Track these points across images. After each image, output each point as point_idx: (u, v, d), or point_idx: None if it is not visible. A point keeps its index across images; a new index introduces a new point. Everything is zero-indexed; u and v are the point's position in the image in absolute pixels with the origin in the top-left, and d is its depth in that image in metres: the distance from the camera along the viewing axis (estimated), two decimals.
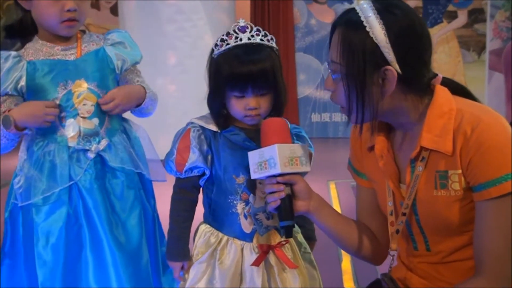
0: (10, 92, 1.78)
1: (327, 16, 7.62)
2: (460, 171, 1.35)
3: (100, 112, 1.85)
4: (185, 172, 1.69)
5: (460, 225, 1.39)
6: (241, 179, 1.70)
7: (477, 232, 1.35)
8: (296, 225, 1.79)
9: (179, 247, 1.69)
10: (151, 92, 1.96)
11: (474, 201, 1.35)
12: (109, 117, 1.87)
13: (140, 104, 1.93)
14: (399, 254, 1.57)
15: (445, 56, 7.59)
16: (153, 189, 1.98)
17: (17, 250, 1.83)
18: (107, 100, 1.83)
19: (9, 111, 1.76)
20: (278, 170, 1.45)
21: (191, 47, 5.95)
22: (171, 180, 1.79)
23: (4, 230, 1.85)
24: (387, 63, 1.33)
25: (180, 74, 5.87)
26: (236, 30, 1.68)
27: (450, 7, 7.55)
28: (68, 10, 1.77)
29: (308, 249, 1.83)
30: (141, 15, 5.95)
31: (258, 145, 1.61)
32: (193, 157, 1.68)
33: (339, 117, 7.71)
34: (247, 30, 1.68)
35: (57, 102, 1.80)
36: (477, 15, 7.55)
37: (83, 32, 1.90)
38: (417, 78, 1.38)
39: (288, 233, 1.48)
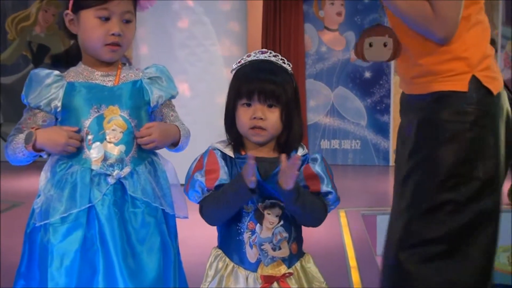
0: (42, 107, 1.82)
1: (337, 43, 7.64)
2: None
3: (129, 140, 1.85)
4: (215, 187, 1.67)
5: None
6: (249, 207, 1.69)
7: None
8: (308, 257, 1.78)
9: (233, 182, 1.65)
10: (185, 130, 1.97)
11: None
12: (137, 147, 1.87)
13: (174, 143, 1.95)
14: None
15: None
16: (176, 228, 1.94)
17: (32, 271, 1.82)
18: (143, 135, 1.84)
19: (36, 129, 1.79)
20: None
21: (202, 71, 5.99)
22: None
23: (22, 250, 1.85)
24: None
25: (190, 99, 5.90)
26: (256, 53, 1.76)
27: None
28: (113, 34, 1.81)
29: (324, 285, 1.77)
30: (153, 40, 6.01)
31: (265, 177, 1.64)
32: (223, 173, 1.69)
33: (348, 144, 7.69)
34: (266, 53, 1.76)
35: (87, 123, 1.81)
36: None
37: (124, 64, 1.93)
38: None
39: None
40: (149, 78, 1.92)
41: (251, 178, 1.58)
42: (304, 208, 1.66)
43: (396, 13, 1.86)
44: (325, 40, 7.74)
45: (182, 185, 1.89)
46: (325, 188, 1.71)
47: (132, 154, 1.86)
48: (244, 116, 1.69)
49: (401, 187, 1.93)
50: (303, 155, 1.75)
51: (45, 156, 1.83)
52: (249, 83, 1.69)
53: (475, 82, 1.82)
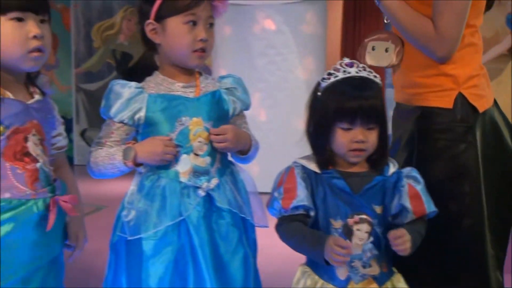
0: (126, 121, 1.81)
1: None
2: None
3: (213, 151, 1.85)
4: (291, 209, 1.67)
5: None
6: (338, 223, 1.67)
7: (435, 3, 1.77)
8: (398, 276, 1.74)
9: (315, 239, 1.64)
10: (255, 141, 1.97)
11: None
12: (220, 158, 1.87)
13: (243, 151, 1.93)
14: None
15: None
16: (255, 237, 1.94)
17: (119, 282, 1.84)
18: (218, 132, 1.83)
19: (133, 143, 1.80)
20: None
21: (281, 80, 5.99)
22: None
23: (108, 261, 1.87)
24: None
25: (269, 107, 5.92)
26: (343, 65, 1.70)
27: None
28: (201, 40, 1.80)
29: None
30: (233, 48, 6.06)
31: (355, 193, 1.63)
32: (301, 195, 1.67)
33: None
34: (353, 65, 1.72)
35: (173, 136, 1.82)
36: None
37: (200, 73, 1.92)
38: None
39: None
40: (227, 89, 1.92)
41: (336, 261, 1.56)
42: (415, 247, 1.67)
43: (398, 27, 1.89)
44: None
45: (260, 193, 1.90)
46: (429, 208, 1.71)
47: (216, 165, 1.86)
48: (344, 138, 1.67)
49: None
50: (395, 172, 1.73)
51: (142, 170, 1.82)
52: (350, 106, 1.65)
53: (461, 99, 1.83)
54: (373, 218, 1.67)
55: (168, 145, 1.77)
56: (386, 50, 1.95)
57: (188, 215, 1.78)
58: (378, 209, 1.69)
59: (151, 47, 1.87)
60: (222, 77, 1.96)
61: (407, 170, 1.75)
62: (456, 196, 1.82)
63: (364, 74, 1.71)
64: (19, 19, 1.58)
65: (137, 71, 1.89)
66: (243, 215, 1.86)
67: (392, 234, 1.61)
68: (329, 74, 1.72)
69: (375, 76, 1.73)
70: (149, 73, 1.88)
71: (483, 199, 1.84)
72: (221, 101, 1.89)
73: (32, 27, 1.59)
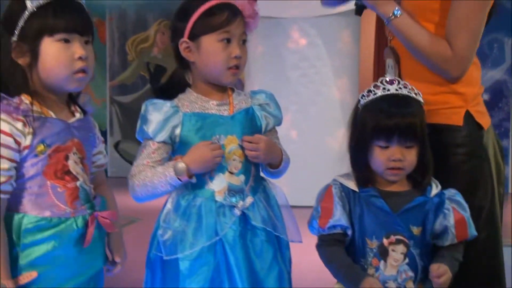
0: (165, 140, 1.81)
1: None
2: None
3: (247, 169, 1.85)
4: (328, 228, 1.67)
5: (423, 11, 1.85)
6: (373, 243, 1.66)
7: (446, 21, 1.81)
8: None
9: (352, 275, 1.65)
10: (287, 156, 1.96)
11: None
12: (254, 176, 1.88)
13: (274, 165, 1.93)
14: None
15: None
16: (290, 253, 1.93)
17: None
18: (252, 140, 1.83)
19: (181, 158, 1.79)
20: None
21: (314, 93, 5.98)
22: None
23: (145, 278, 1.88)
24: None
25: (302, 121, 5.90)
26: (384, 82, 1.69)
27: None
28: (235, 57, 1.81)
29: None
30: (266, 61, 6.08)
31: (395, 212, 1.62)
32: (337, 214, 1.68)
33: None
34: (394, 83, 1.70)
35: None
36: None
37: (232, 90, 1.93)
38: None
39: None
40: (259, 105, 1.92)
41: None
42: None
43: (410, 46, 1.87)
44: None
45: (292, 206, 1.91)
46: (471, 233, 1.69)
47: (250, 183, 1.86)
48: (382, 156, 1.66)
49: None
50: (437, 194, 1.71)
51: (194, 181, 1.80)
52: (386, 124, 1.65)
53: (468, 116, 1.85)
54: (409, 239, 1.66)
55: (214, 149, 1.78)
56: (389, 66, 1.95)
57: (224, 234, 1.78)
58: (415, 230, 1.68)
59: (184, 64, 1.88)
60: (255, 93, 1.96)
61: (450, 192, 1.73)
62: (472, 211, 1.80)
63: (404, 91, 1.70)
64: (66, 40, 1.60)
65: (169, 88, 1.89)
66: (277, 234, 1.86)
67: (435, 271, 1.61)
68: (369, 91, 1.72)
69: (417, 94, 1.72)
70: (181, 90, 1.88)
71: (498, 213, 1.86)
72: (254, 118, 1.90)
73: (77, 48, 1.61)
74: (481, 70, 1.96)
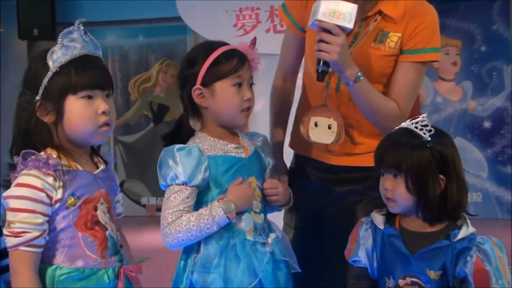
0: (199, 184, 1.82)
1: (454, 93, 7.46)
2: (400, 34, 1.99)
3: (263, 208, 1.93)
4: (351, 261, 1.74)
5: (378, 75, 2.01)
6: (390, 282, 1.68)
7: (394, 84, 2.01)
8: None
9: None
10: (290, 192, 2.04)
11: (398, 61, 2.01)
12: (266, 214, 1.96)
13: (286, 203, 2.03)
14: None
15: None
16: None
17: None
18: (272, 187, 1.93)
19: (225, 197, 1.81)
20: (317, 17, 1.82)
21: None
22: None
23: None
24: None
25: None
26: None
27: None
28: (248, 100, 1.88)
29: None
30: (267, 97, 6.10)
31: (412, 254, 1.63)
32: (357, 250, 1.74)
33: (469, 196, 7.36)
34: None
35: None
36: None
37: (236, 132, 1.98)
38: None
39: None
40: (260, 146, 2.01)
41: None
42: None
43: (366, 108, 2.00)
44: (441, 90, 7.57)
45: None
46: (496, 285, 1.58)
47: (266, 221, 1.95)
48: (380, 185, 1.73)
49: None
50: (466, 238, 1.64)
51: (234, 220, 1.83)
52: (377, 153, 1.74)
53: None
54: (426, 283, 1.63)
55: (251, 187, 1.87)
56: (329, 127, 2.02)
57: (262, 272, 1.82)
58: (433, 274, 1.63)
59: (194, 110, 1.92)
60: (252, 135, 2.04)
61: (483, 239, 1.65)
62: None
63: (411, 127, 1.71)
64: (89, 97, 1.65)
65: (177, 135, 1.94)
66: (295, 265, 1.94)
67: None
68: None
69: (422, 130, 1.69)
70: (189, 135, 1.93)
71: None
72: (261, 158, 1.99)
73: (100, 103, 1.66)
74: None
